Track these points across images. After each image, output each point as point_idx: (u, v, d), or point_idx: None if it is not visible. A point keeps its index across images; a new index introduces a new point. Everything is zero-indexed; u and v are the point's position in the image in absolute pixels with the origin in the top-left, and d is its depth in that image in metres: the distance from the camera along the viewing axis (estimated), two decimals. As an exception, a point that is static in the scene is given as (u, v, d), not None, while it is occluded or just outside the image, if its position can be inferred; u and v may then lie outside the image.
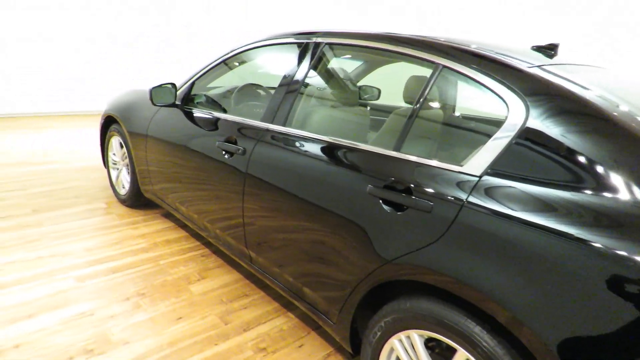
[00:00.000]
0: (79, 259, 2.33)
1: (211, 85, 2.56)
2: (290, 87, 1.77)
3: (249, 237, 1.86)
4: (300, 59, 1.79)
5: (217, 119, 2.09)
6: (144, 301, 2.00)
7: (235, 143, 1.89)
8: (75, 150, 4.48)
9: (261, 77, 2.90)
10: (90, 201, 3.16)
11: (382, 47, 1.54)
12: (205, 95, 2.46)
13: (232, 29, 7.47)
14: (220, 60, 2.26)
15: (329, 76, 1.95)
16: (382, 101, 3.21)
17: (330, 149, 1.53)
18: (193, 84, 2.37)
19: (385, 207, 1.29)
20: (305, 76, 1.74)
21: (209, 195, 2.08)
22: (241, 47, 2.16)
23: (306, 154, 1.59)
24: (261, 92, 2.67)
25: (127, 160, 3.00)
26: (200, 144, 2.10)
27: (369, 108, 2.82)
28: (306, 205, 1.53)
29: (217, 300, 2.07)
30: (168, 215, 3.03)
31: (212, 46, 7.34)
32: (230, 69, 2.37)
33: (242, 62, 2.35)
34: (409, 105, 1.67)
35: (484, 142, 1.19)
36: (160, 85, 2.27)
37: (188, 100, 2.40)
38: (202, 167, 2.09)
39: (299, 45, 1.85)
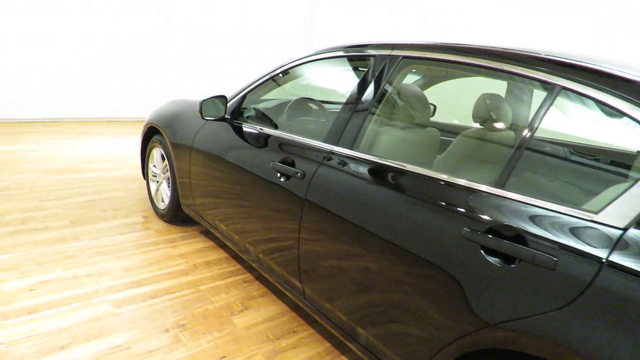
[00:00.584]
0: (116, 280, 2.18)
1: (263, 98, 2.39)
2: (360, 106, 1.56)
3: (305, 271, 1.65)
4: (372, 74, 1.58)
5: (269, 136, 1.91)
6: (184, 334, 1.82)
7: (292, 165, 1.69)
8: (115, 159, 4.42)
9: (318, 92, 2.73)
10: (129, 214, 3.04)
11: (477, 64, 1.30)
12: (255, 109, 2.29)
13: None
14: (274, 73, 2.09)
15: (405, 94, 1.73)
16: (437, 118, 2.97)
17: (411, 179, 1.31)
18: (244, 97, 2.21)
19: (487, 256, 1.06)
20: (378, 93, 1.53)
21: (256, 216, 1.89)
22: (298, 59, 1.98)
23: (380, 183, 1.37)
24: (315, 107, 2.49)
25: (167, 173, 2.87)
26: (250, 161, 1.92)
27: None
28: (380, 242, 1.31)
29: (263, 336, 1.87)
30: (207, 234, 2.87)
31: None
32: (284, 82, 2.20)
33: (297, 76, 2.17)
34: (509, 132, 1.44)
35: (625, 184, 0.94)
36: (210, 98, 2.11)
37: (238, 114, 2.23)
38: (250, 186, 1.91)
39: (368, 58, 1.65)
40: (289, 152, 1.75)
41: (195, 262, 2.47)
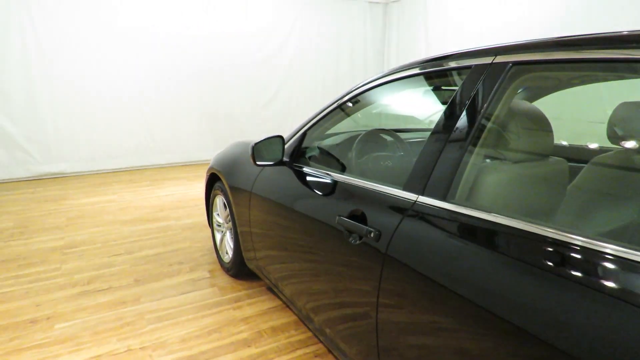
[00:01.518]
0: (171, 354, 1.90)
1: (328, 132, 2.04)
2: (452, 136, 1.12)
3: (385, 351, 1.20)
4: (468, 92, 1.14)
5: (335, 182, 1.53)
6: None
7: (363, 219, 1.28)
8: (187, 205, 4.35)
9: (395, 121, 2.33)
10: (194, 268, 2.82)
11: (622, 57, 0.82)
12: (319, 147, 1.94)
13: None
14: (339, 101, 1.73)
15: (517, 114, 1.25)
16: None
17: (536, 244, 0.83)
18: (304, 135, 1.87)
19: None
20: (477, 118, 1.09)
21: (320, 277, 1.50)
22: (367, 82, 1.60)
23: (493, 248, 0.91)
24: (391, 140, 2.06)
25: (230, 223, 2.61)
26: (313, 211, 1.55)
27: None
28: (500, 324, 0.83)
29: None
30: (274, 290, 2.53)
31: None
32: (352, 112, 1.83)
33: (367, 103, 1.79)
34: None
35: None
36: (264, 140, 1.80)
37: (299, 154, 1.89)
38: (314, 241, 1.54)
39: (460, 71, 1.22)
40: (359, 202, 1.35)
41: (260, 328, 2.12)
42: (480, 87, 1.10)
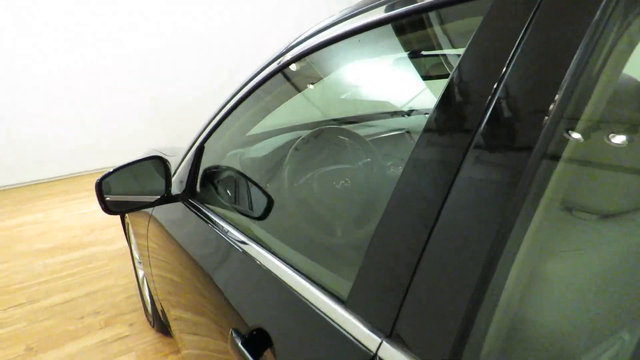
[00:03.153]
0: None
1: (250, 134, 1.33)
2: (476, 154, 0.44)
3: None
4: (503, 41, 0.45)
5: (245, 254, 0.84)
6: None
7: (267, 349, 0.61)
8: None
9: (350, 107, 1.58)
10: (111, 322, 2.14)
11: None
12: (227, 170, 1.21)
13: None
14: (250, 86, 1.01)
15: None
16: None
17: None
18: (207, 137, 1.15)
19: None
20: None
21: None
22: (293, 46, 0.89)
23: None
24: (346, 140, 1.28)
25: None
26: (201, 305, 0.89)
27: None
28: None
29: None
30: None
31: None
32: (277, 101, 1.13)
33: (301, 81, 1.07)
34: None
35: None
36: (124, 167, 1.08)
37: (204, 179, 1.18)
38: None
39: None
40: (270, 312, 0.67)
41: None
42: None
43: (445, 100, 0.49)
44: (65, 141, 5.09)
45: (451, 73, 0.49)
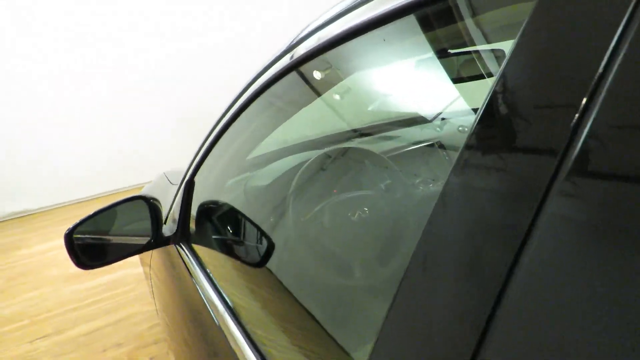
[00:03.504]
0: None
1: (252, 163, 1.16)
2: None
3: None
4: None
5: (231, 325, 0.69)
6: None
7: None
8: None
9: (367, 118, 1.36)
10: (133, 354, 2.05)
11: None
12: (221, 208, 1.03)
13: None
14: (245, 98, 0.84)
15: None
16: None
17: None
18: (198, 166, 0.99)
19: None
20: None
21: None
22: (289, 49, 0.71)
23: None
24: (367, 164, 1.07)
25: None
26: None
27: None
28: None
29: None
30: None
31: None
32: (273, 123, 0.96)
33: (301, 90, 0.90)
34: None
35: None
36: (101, 212, 0.94)
37: (202, 216, 1.02)
38: None
39: None
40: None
41: None
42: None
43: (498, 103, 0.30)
44: (99, 159, 5.13)
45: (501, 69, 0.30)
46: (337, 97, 0.88)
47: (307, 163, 0.99)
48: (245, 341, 0.63)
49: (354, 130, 1.31)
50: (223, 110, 0.92)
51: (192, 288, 0.88)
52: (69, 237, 0.88)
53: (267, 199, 1.07)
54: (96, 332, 2.29)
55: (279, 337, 0.68)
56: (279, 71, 0.73)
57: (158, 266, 1.21)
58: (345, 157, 1.01)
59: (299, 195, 0.96)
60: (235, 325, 0.67)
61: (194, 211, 0.99)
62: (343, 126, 1.30)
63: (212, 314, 0.75)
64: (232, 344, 0.65)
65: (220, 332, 0.69)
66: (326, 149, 1.04)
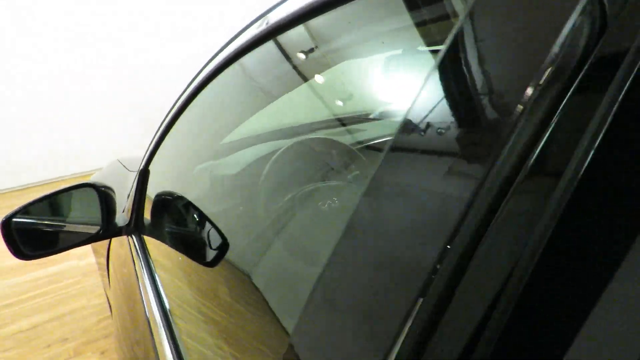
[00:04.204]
0: None
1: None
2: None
3: None
4: None
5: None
6: None
7: None
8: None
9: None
10: (80, 349, 1.96)
11: None
12: (188, 202, 0.97)
13: None
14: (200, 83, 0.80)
15: None
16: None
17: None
18: (155, 151, 0.94)
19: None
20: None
21: None
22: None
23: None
24: (332, 152, 1.03)
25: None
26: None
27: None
28: None
29: None
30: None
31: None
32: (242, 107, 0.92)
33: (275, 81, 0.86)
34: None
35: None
36: (43, 199, 0.87)
37: (158, 207, 0.97)
38: None
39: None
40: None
41: None
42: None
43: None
44: (38, 146, 4.79)
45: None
46: (319, 79, 0.84)
47: (277, 153, 0.95)
48: (167, 339, 0.62)
49: (330, 119, 1.26)
50: (181, 91, 0.87)
51: (134, 281, 0.84)
52: (7, 225, 0.81)
53: (233, 189, 1.03)
54: (38, 328, 2.15)
55: (206, 338, 0.66)
56: (247, 42, 0.68)
57: (116, 257, 1.15)
58: (311, 147, 0.98)
59: (265, 187, 0.92)
60: (161, 320, 0.65)
61: (151, 201, 0.94)
62: (318, 113, 1.25)
63: (144, 306, 0.72)
64: (155, 340, 0.63)
65: (147, 325, 0.67)
66: (296, 139, 1.01)
